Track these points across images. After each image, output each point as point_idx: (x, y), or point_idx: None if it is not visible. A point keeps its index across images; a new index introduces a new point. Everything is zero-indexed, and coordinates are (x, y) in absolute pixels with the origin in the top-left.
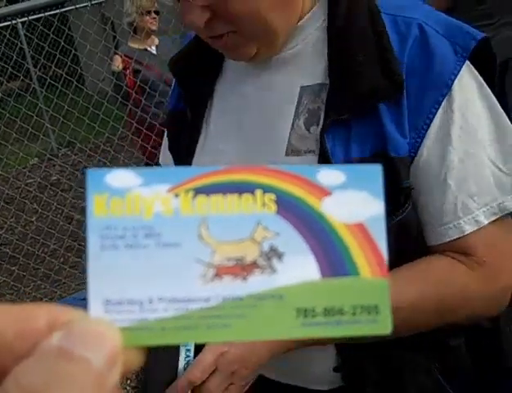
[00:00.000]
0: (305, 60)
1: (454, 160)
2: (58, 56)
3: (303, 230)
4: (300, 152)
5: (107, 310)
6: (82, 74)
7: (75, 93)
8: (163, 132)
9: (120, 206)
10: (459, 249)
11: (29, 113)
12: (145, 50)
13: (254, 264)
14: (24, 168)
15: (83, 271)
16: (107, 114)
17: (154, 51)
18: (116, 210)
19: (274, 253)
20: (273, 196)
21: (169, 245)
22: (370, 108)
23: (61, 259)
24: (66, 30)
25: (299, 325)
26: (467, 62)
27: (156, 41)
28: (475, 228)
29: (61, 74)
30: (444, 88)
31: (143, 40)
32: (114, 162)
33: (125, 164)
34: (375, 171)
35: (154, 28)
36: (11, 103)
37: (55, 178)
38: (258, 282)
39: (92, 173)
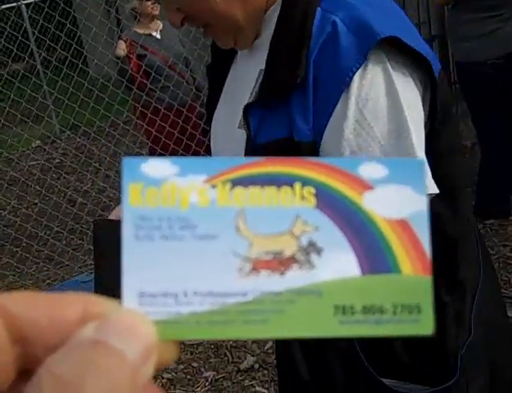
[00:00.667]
0: (266, 47)
1: (345, 152)
2: (63, 38)
3: (342, 225)
4: (242, 126)
5: (141, 303)
6: (86, 57)
7: (79, 76)
8: (168, 116)
9: (156, 196)
10: None
11: (34, 94)
12: (150, 35)
13: (293, 259)
14: (26, 150)
15: (86, 253)
16: (112, 98)
17: (159, 36)
18: (152, 200)
19: (313, 248)
20: (312, 190)
21: (205, 237)
22: (281, 97)
23: (64, 242)
24: (72, 12)
25: (337, 323)
26: (378, 58)
27: (160, 25)
28: None
29: (65, 57)
30: (344, 82)
31: (147, 25)
32: (118, 146)
33: (129, 148)
34: (419, 165)
35: (156, 12)
36: (16, 84)
37: (58, 160)
38: (296, 277)
39: (127, 162)
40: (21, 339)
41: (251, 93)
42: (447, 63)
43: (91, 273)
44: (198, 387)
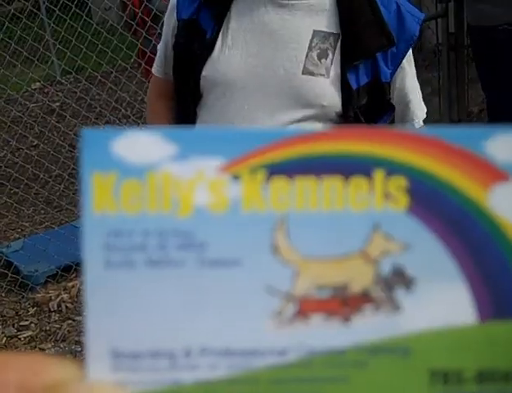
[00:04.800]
0: (317, 12)
1: (410, 85)
2: None
3: (452, 241)
4: (313, 74)
5: (116, 367)
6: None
7: (84, 23)
8: None
9: (138, 196)
10: None
11: (40, 32)
12: None
13: (365, 297)
14: (26, 92)
15: None
16: (115, 42)
17: None
18: (131, 201)
19: (399, 278)
20: (404, 181)
21: (221, 262)
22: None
23: (64, 186)
24: None
25: None
26: None
27: None
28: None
29: None
30: (410, 43)
31: None
32: (124, 89)
33: (135, 94)
34: None
35: None
36: (21, 23)
37: (58, 104)
38: (369, 327)
39: (89, 137)
40: None
41: (310, 47)
42: (462, 27)
43: None
44: None
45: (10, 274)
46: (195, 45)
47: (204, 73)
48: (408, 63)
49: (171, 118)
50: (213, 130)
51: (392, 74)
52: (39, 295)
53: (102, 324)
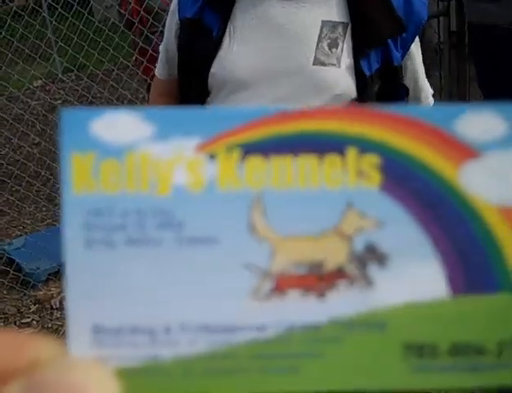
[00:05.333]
0: (324, 2)
1: (418, 66)
2: None
3: (424, 217)
4: (324, 64)
5: (97, 342)
6: None
7: (86, 20)
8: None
9: (117, 175)
10: None
11: (42, 29)
12: None
13: (339, 273)
14: (28, 89)
15: None
16: (116, 39)
17: None
18: (110, 181)
19: (372, 255)
20: (377, 159)
21: (199, 240)
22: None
23: None
24: None
25: (409, 370)
26: None
27: None
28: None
29: None
30: (419, 26)
31: None
32: (125, 87)
33: (136, 92)
34: None
35: None
36: (23, 20)
37: (60, 101)
38: (344, 302)
39: (68, 116)
40: None
41: (320, 37)
42: (464, 25)
43: None
44: None
45: (11, 272)
46: (201, 44)
47: (212, 70)
48: (415, 45)
49: None
50: (190, 110)
51: (403, 56)
52: (41, 292)
53: (83, 302)
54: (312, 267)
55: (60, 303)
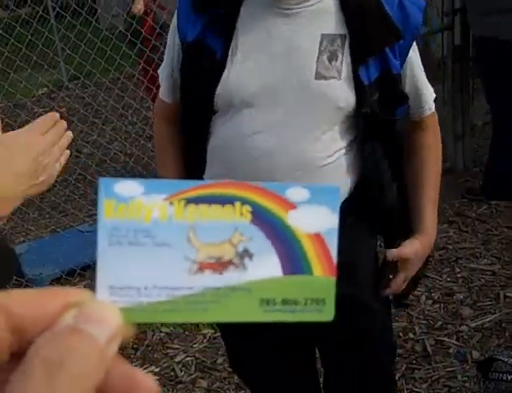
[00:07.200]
0: (322, 15)
1: (418, 72)
2: None
3: (271, 236)
4: (326, 77)
5: (111, 294)
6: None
7: (93, 29)
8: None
9: (125, 211)
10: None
11: (49, 35)
12: None
13: (230, 262)
14: (34, 97)
15: (91, 203)
16: (119, 49)
17: None
18: (122, 213)
19: (246, 254)
20: (249, 208)
21: (163, 244)
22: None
23: (70, 190)
24: None
25: (262, 311)
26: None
27: None
28: (431, 111)
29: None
30: (415, 32)
31: None
32: (131, 96)
33: (141, 101)
34: (334, 190)
35: None
36: (31, 28)
37: (65, 109)
38: (232, 277)
39: (104, 182)
40: (19, 330)
41: (320, 51)
42: (468, 39)
43: (93, 224)
44: (195, 343)
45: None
46: (205, 65)
47: (218, 91)
48: (414, 51)
49: (179, 144)
50: (162, 181)
51: (401, 64)
52: None
53: (104, 273)
54: (217, 259)
55: None
